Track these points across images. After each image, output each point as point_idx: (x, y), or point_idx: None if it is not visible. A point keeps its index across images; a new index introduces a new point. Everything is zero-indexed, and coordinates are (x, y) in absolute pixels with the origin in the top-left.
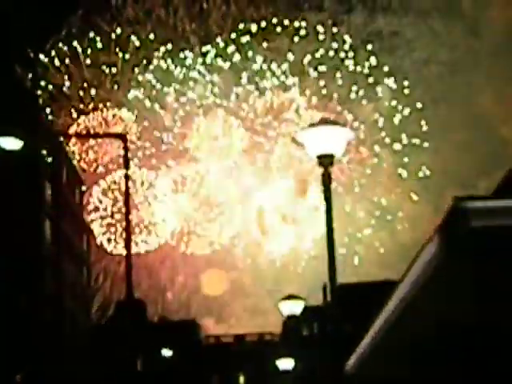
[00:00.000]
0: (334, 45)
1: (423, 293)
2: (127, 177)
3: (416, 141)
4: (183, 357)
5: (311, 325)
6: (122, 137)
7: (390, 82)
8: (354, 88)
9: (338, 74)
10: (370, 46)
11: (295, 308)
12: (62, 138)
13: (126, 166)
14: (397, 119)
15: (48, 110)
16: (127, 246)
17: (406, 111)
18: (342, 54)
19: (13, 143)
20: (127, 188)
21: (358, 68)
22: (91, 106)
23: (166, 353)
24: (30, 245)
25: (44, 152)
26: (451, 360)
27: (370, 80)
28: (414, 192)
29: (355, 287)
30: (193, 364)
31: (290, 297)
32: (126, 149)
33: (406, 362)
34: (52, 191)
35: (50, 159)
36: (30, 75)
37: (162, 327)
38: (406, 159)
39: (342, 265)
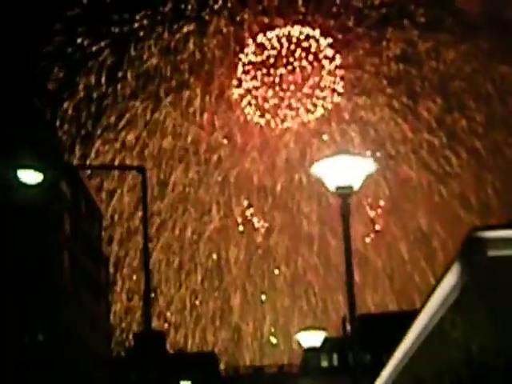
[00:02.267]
0: None
1: (443, 322)
2: (145, 215)
3: None
4: None
5: (331, 356)
6: (141, 170)
7: None
8: None
9: None
10: None
11: (315, 340)
12: (80, 171)
13: (144, 199)
14: None
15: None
16: (147, 278)
17: None
18: None
19: (32, 176)
20: (145, 223)
21: None
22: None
23: None
24: (48, 277)
25: (63, 184)
26: None
27: None
28: None
29: (375, 318)
30: None
31: (310, 328)
32: (144, 182)
33: None
34: (71, 223)
35: (68, 192)
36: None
37: (180, 359)
38: None
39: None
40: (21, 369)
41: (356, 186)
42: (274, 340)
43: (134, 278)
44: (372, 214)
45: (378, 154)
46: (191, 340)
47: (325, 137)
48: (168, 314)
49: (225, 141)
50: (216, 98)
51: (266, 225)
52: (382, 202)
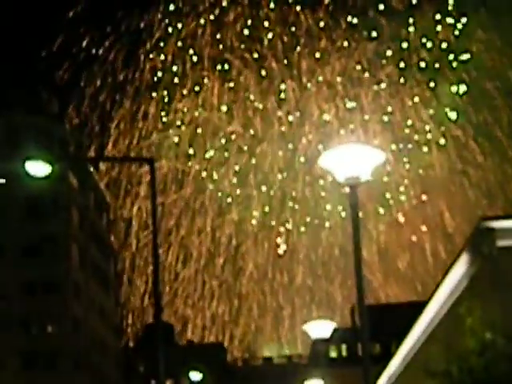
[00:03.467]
0: None
1: (452, 312)
2: (155, 204)
3: None
4: (210, 379)
5: (339, 346)
6: (149, 161)
7: None
8: None
9: None
10: None
11: (324, 331)
12: (89, 163)
13: (153, 192)
14: None
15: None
16: (155, 267)
17: None
18: None
19: (40, 168)
20: (154, 215)
21: None
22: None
23: (195, 377)
24: (57, 269)
25: (71, 176)
26: (481, 383)
27: None
28: None
29: (383, 308)
30: None
31: (319, 319)
32: (152, 174)
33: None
34: (79, 215)
35: (76, 184)
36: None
37: (189, 350)
38: None
39: None
40: (29, 359)
41: (365, 177)
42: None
43: (150, 270)
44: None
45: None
46: (206, 332)
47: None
48: (182, 306)
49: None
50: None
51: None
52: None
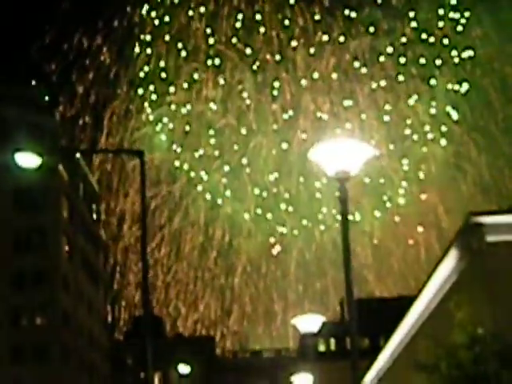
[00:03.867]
0: None
1: (440, 307)
2: (144, 196)
3: None
4: (199, 372)
5: (328, 340)
6: (138, 153)
7: None
8: None
9: None
10: None
11: (312, 325)
12: (79, 155)
13: (143, 184)
14: None
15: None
16: (143, 259)
17: None
18: None
19: (30, 160)
20: (144, 207)
21: None
22: None
23: (183, 370)
24: (46, 261)
25: (60, 168)
26: (471, 379)
27: None
28: None
29: (372, 302)
30: (208, 379)
31: (308, 313)
32: (142, 166)
33: (423, 379)
34: (68, 208)
35: (66, 176)
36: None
37: (178, 342)
38: None
39: None
40: (18, 351)
41: (354, 171)
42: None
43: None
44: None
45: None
46: (197, 325)
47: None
48: (174, 300)
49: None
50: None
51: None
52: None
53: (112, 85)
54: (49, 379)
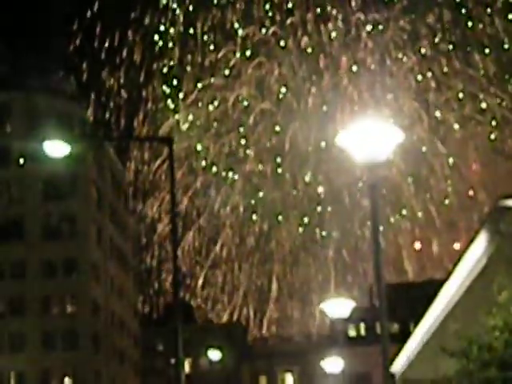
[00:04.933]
0: None
1: (470, 291)
2: (173, 184)
3: None
4: (230, 358)
5: (358, 325)
6: (167, 140)
7: None
8: None
9: None
10: None
11: (342, 310)
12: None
13: (172, 172)
14: None
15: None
16: (174, 247)
17: None
18: None
19: (60, 149)
20: (173, 193)
21: None
22: None
23: (214, 356)
24: (76, 249)
25: (89, 156)
26: (502, 362)
27: None
28: None
29: (402, 286)
30: (239, 366)
31: (338, 297)
32: (171, 154)
33: (454, 363)
34: (97, 196)
35: (95, 164)
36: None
37: (208, 329)
38: None
39: None
40: (48, 340)
41: (383, 157)
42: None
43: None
44: None
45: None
46: (228, 310)
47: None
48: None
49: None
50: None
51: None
52: None
53: (144, 78)
54: (79, 367)
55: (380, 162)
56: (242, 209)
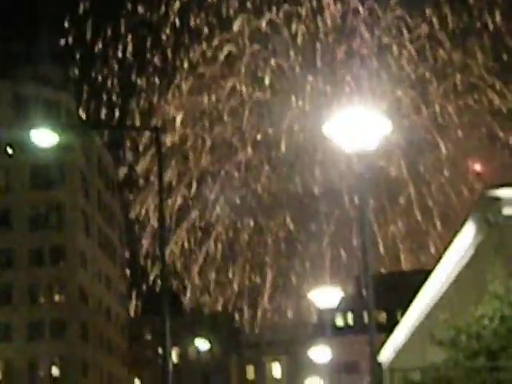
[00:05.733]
0: None
1: (458, 280)
2: (161, 172)
3: None
4: (218, 348)
5: (345, 314)
6: (155, 130)
7: None
8: None
9: None
10: None
11: (331, 300)
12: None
13: (160, 161)
14: None
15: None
16: (161, 235)
17: None
18: None
19: (47, 138)
20: (161, 180)
21: None
22: None
23: (202, 345)
24: (63, 238)
25: (77, 145)
26: (490, 352)
27: None
28: None
29: (389, 276)
30: (227, 356)
31: (326, 286)
32: (159, 143)
33: (442, 352)
34: (84, 184)
35: (83, 152)
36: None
37: (197, 318)
38: None
39: None
40: (36, 328)
41: (372, 147)
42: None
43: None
44: None
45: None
46: (216, 300)
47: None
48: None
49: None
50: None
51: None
52: None
53: (137, 70)
54: (67, 356)
55: (369, 151)
56: (237, 201)
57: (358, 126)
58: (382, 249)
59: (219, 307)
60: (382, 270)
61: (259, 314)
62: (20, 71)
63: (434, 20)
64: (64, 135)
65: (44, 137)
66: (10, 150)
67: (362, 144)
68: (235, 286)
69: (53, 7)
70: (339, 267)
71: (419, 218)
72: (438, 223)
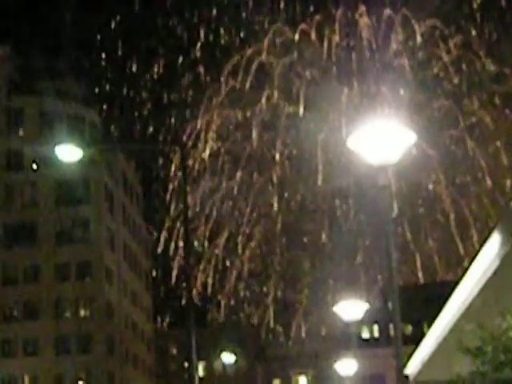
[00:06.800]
0: None
1: (484, 292)
2: (185, 191)
3: None
4: (244, 361)
5: (371, 327)
6: (180, 146)
7: None
8: None
9: None
10: None
11: (356, 312)
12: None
13: (184, 178)
14: None
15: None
16: (186, 250)
17: None
18: None
19: (71, 153)
20: (185, 200)
21: None
22: None
23: (228, 359)
24: (89, 254)
25: (102, 161)
26: None
27: None
28: None
29: (414, 288)
30: (253, 369)
31: (351, 299)
32: (183, 159)
33: (467, 363)
34: (109, 199)
35: (107, 168)
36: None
37: (223, 331)
38: None
39: None
40: (62, 344)
41: (395, 159)
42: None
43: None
44: None
45: None
46: (242, 313)
47: None
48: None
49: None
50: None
51: None
52: None
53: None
54: (93, 370)
55: (392, 164)
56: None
57: (380, 137)
58: (418, 262)
59: (254, 321)
60: (420, 282)
61: (293, 328)
62: (45, 87)
63: (469, 29)
64: (88, 150)
65: (68, 152)
66: (34, 166)
67: (385, 156)
68: (268, 301)
69: (84, 22)
70: (371, 281)
71: (455, 230)
72: (475, 237)
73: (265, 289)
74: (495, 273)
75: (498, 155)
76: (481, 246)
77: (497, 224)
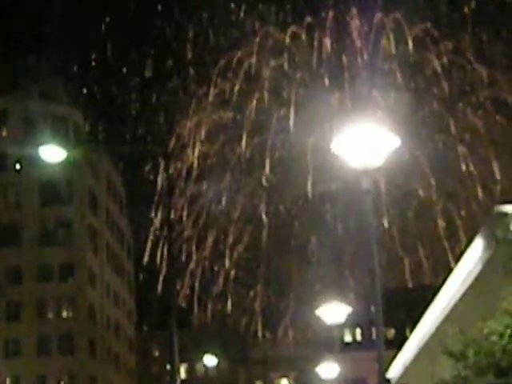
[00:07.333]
0: None
1: (467, 296)
2: (171, 195)
3: None
4: (226, 364)
5: (353, 330)
6: (162, 147)
7: None
8: None
9: None
10: None
11: (338, 316)
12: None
13: (167, 176)
14: None
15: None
16: (168, 251)
17: None
18: None
19: (55, 154)
20: (170, 198)
21: None
22: None
23: (210, 361)
24: (72, 254)
25: (85, 162)
26: (500, 369)
27: None
28: None
29: (398, 291)
30: (235, 372)
31: (333, 302)
32: (166, 160)
33: (450, 367)
34: (92, 200)
35: (90, 169)
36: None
37: (206, 334)
38: None
39: None
40: (44, 343)
41: (378, 163)
42: None
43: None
44: None
45: None
46: (226, 316)
47: None
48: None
49: None
50: None
51: None
52: None
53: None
54: (75, 372)
55: (375, 168)
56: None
57: (363, 141)
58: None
59: (240, 324)
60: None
61: (279, 332)
62: (29, 87)
63: (461, 34)
64: (72, 152)
65: (52, 153)
66: (18, 167)
67: (368, 159)
68: (255, 304)
69: (70, 23)
70: (358, 285)
71: (444, 235)
72: (464, 241)
73: (251, 292)
74: (478, 277)
75: (489, 161)
76: (464, 250)
77: (480, 229)
